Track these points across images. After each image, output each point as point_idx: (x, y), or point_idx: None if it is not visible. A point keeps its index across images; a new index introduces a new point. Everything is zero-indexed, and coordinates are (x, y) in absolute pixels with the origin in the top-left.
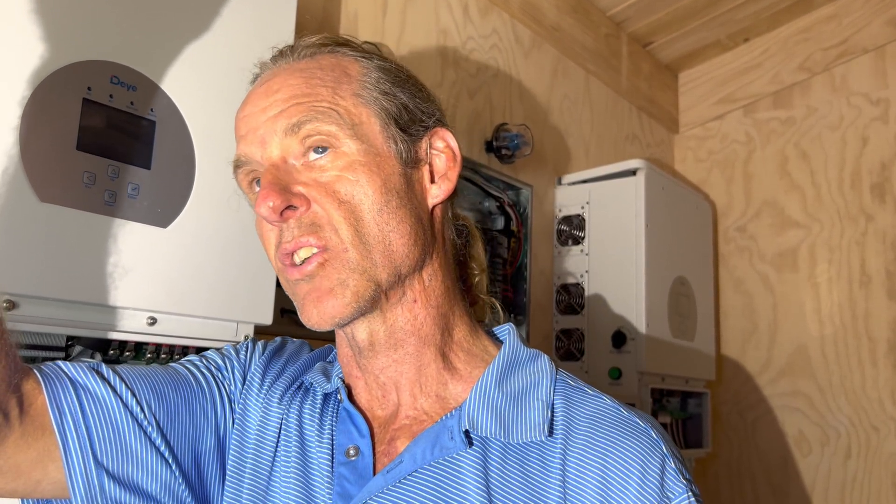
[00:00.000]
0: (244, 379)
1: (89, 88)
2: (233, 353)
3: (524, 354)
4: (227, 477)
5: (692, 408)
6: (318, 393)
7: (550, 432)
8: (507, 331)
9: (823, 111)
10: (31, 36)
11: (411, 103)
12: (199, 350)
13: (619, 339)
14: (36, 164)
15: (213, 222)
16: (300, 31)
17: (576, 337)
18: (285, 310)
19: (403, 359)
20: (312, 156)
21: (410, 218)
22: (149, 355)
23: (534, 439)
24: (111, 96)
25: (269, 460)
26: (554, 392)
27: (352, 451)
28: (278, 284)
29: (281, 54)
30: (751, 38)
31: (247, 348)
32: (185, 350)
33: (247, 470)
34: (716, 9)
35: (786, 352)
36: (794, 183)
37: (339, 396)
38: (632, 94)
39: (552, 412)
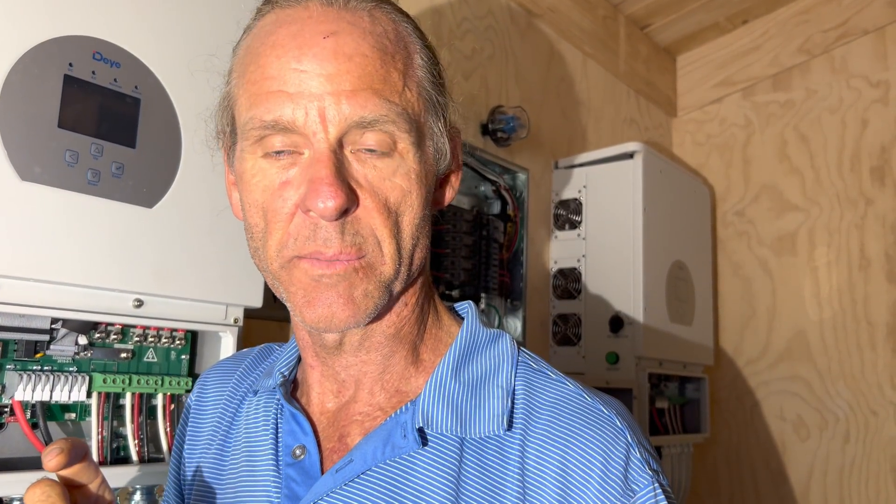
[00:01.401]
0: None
1: (71, 64)
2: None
3: (483, 336)
4: None
5: (690, 393)
6: (262, 394)
7: (510, 424)
8: (465, 309)
9: (823, 93)
10: (9, 10)
11: (448, 108)
12: (188, 332)
13: (617, 323)
14: (16, 142)
15: (200, 202)
16: None
17: (573, 322)
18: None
19: (372, 359)
20: (378, 150)
21: (428, 230)
22: (136, 338)
23: (493, 433)
24: (94, 73)
25: (217, 479)
26: (515, 377)
27: (297, 451)
28: None
29: None
30: (749, 20)
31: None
32: (172, 333)
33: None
34: None
35: (784, 336)
36: (793, 166)
37: (286, 392)
38: (629, 76)
39: (512, 400)
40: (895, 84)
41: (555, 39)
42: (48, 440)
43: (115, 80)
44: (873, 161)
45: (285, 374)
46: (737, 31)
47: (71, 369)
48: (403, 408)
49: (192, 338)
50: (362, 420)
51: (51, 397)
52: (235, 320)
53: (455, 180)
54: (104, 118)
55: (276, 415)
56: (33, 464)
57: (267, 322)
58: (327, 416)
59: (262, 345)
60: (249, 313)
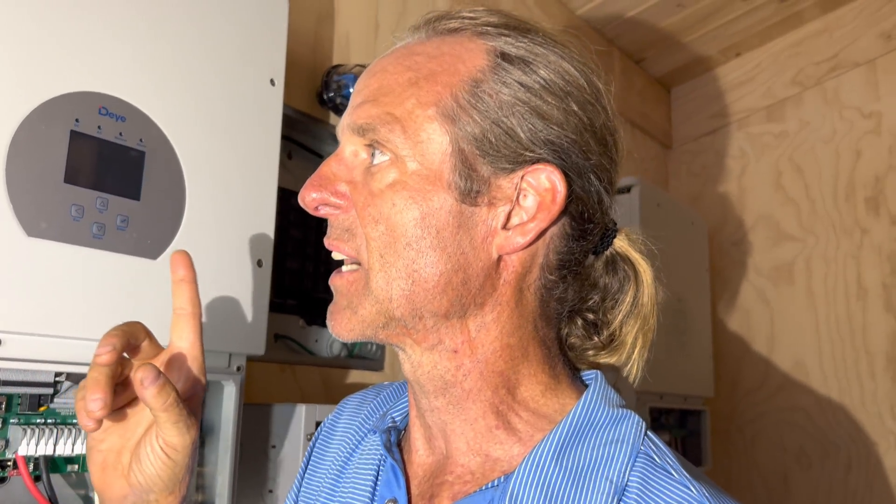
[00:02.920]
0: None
1: (77, 120)
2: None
3: (604, 416)
4: None
5: (691, 425)
6: (380, 434)
7: None
8: (590, 379)
9: (816, 124)
10: (17, 68)
11: (525, 129)
12: None
13: None
14: (22, 197)
15: (204, 252)
16: (291, 57)
17: None
18: (279, 335)
19: (447, 408)
20: (374, 159)
21: (446, 263)
22: None
23: None
24: (100, 127)
25: None
26: (631, 470)
27: None
28: (271, 311)
29: (419, 25)
30: (742, 52)
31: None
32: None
33: None
34: (707, 24)
35: (784, 366)
36: (788, 196)
37: (387, 440)
38: (624, 109)
39: (619, 498)
40: (887, 115)
41: None
42: (51, 493)
43: (120, 133)
44: (868, 191)
45: (397, 419)
46: (730, 64)
47: (74, 421)
48: (495, 482)
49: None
50: (453, 482)
51: (54, 451)
52: (238, 368)
53: (533, 224)
54: (109, 172)
55: (380, 461)
56: None
57: (269, 365)
58: (424, 469)
59: (403, 380)
60: (252, 357)
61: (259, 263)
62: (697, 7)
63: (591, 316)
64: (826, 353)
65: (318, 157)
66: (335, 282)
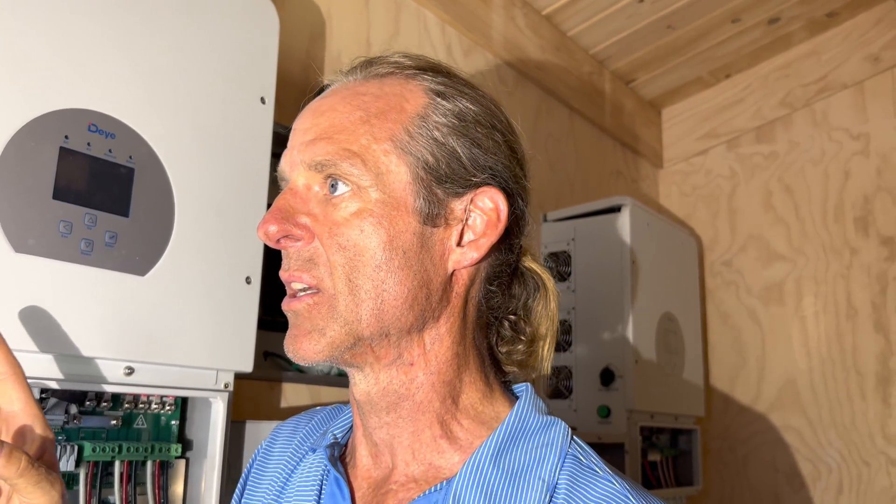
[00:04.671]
0: None
1: (67, 137)
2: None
3: (535, 422)
4: None
5: (682, 444)
6: (319, 452)
7: None
8: (521, 390)
9: (805, 146)
10: (7, 84)
11: (466, 154)
12: (178, 399)
13: (608, 376)
14: (11, 214)
15: (192, 269)
16: (282, 76)
17: (564, 375)
18: (268, 353)
19: (396, 422)
20: (333, 191)
21: (412, 280)
22: (126, 405)
23: None
24: (89, 144)
25: None
26: (560, 470)
27: None
28: (260, 329)
29: (353, 70)
30: (732, 74)
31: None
32: (162, 399)
33: None
34: (697, 46)
35: (775, 386)
36: (778, 217)
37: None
38: (616, 130)
39: (551, 495)
40: (875, 136)
41: (542, 96)
42: None
43: (109, 150)
44: (856, 211)
45: (338, 435)
46: (720, 85)
47: (60, 438)
48: (437, 486)
49: (183, 403)
50: (397, 490)
51: None
52: (226, 385)
53: (484, 240)
54: (98, 188)
55: (323, 476)
56: None
57: (258, 382)
58: (369, 482)
59: (337, 404)
60: (241, 374)
61: (248, 280)
62: (687, 29)
63: (513, 318)
64: (816, 373)
65: None
66: (293, 306)
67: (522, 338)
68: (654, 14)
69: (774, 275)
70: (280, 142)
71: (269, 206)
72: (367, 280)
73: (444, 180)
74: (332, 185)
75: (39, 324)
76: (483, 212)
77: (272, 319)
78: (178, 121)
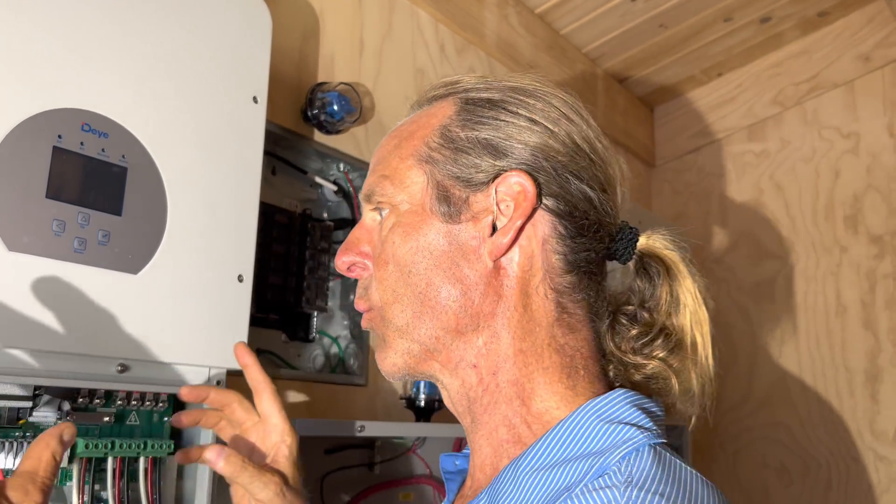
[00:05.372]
0: None
1: (60, 136)
2: None
3: (581, 446)
4: None
5: (673, 441)
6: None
7: None
8: (600, 404)
9: (797, 144)
10: (0, 85)
11: (488, 149)
12: (171, 395)
13: None
14: (4, 212)
15: (184, 267)
16: (275, 75)
17: None
18: (261, 350)
19: (472, 426)
20: (381, 216)
21: (444, 278)
22: (119, 402)
23: None
24: (82, 143)
25: None
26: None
27: None
28: (251, 325)
29: (411, 108)
30: (724, 72)
31: None
32: (155, 396)
33: None
34: (689, 44)
35: (766, 383)
36: (769, 215)
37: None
38: (608, 128)
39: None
40: (865, 135)
41: None
42: None
43: (102, 149)
44: (846, 210)
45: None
46: (712, 84)
47: None
48: (479, 496)
49: (175, 400)
50: (468, 497)
51: None
52: (218, 382)
53: (510, 223)
54: (91, 187)
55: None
56: None
57: None
58: (464, 491)
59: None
60: (233, 371)
61: (240, 278)
62: (680, 28)
63: (630, 308)
64: (806, 370)
65: (302, 173)
66: (363, 325)
67: (634, 330)
68: (647, 13)
69: (765, 273)
70: (273, 140)
71: (262, 205)
72: (408, 286)
73: (463, 178)
74: (381, 213)
75: (33, 321)
76: (511, 197)
77: (265, 317)
78: (170, 120)
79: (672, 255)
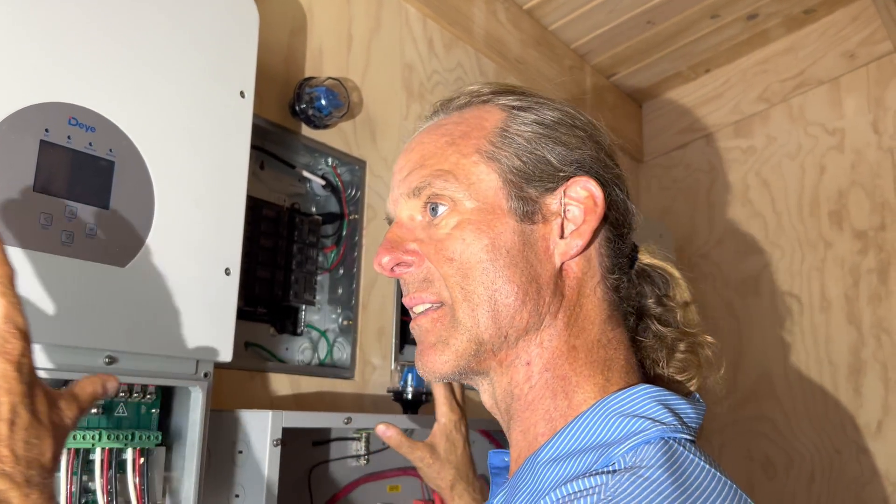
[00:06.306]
0: None
1: (47, 130)
2: None
3: (594, 437)
4: None
5: None
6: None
7: None
8: (621, 398)
9: (782, 140)
10: None
11: (552, 153)
12: (158, 387)
13: None
14: None
15: (172, 260)
16: (263, 69)
17: None
18: (249, 343)
19: (510, 423)
20: (434, 214)
21: (520, 277)
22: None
23: None
24: (69, 137)
25: None
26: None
27: None
28: (239, 318)
29: (436, 111)
30: (712, 69)
31: None
32: (143, 388)
33: None
34: (677, 41)
35: (751, 377)
36: (755, 210)
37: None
38: None
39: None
40: (850, 132)
41: None
42: None
43: (90, 143)
44: (831, 205)
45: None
46: (700, 80)
47: None
48: (507, 485)
49: (163, 392)
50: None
51: None
52: (206, 374)
53: (584, 227)
54: (79, 181)
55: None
56: None
57: (239, 371)
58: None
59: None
60: (221, 364)
61: (227, 272)
62: (667, 24)
63: (658, 310)
64: (791, 364)
65: (290, 167)
66: (419, 322)
67: (655, 326)
68: (635, 9)
69: (750, 268)
70: (261, 134)
71: (251, 199)
72: (479, 285)
73: (534, 179)
74: (433, 209)
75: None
76: (578, 201)
77: (254, 311)
78: (157, 114)
79: (667, 263)
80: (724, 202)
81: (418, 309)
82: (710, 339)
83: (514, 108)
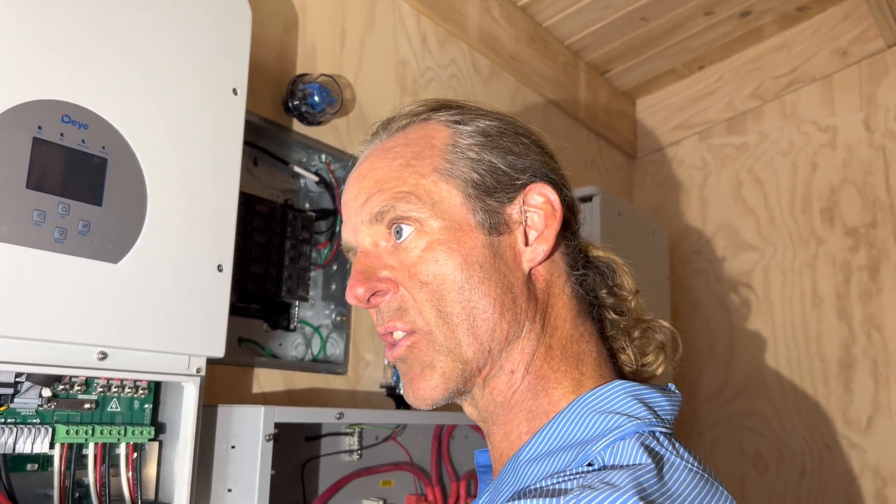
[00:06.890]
0: None
1: (40, 127)
2: None
3: (572, 435)
4: None
5: None
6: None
7: None
8: (597, 395)
9: (775, 137)
10: None
11: (503, 163)
12: (151, 383)
13: None
14: None
15: (164, 257)
16: (256, 66)
17: None
18: (243, 338)
19: (492, 429)
20: (399, 237)
21: (496, 290)
22: (100, 389)
23: None
24: (62, 135)
25: None
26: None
27: None
28: (232, 314)
29: (376, 132)
30: (705, 66)
31: None
32: (136, 384)
33: None
34: (670, 38)
35: (742, 372)
36: (748, 207)
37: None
38: (590, 120)
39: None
40: (842, 129)
41: (517, 86)
42: (10, 491)
43: (82, 140)
44: (823, 202)
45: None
46: (693, 77)
47: (34, 421)
48: (491, 485)
49: (156, 387)
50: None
51: (14, 449)
52: (198, 370)
53: (548, 231)
54: (72, 178)
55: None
56: None
57: (231, 367)
58: None
59: None
60: (214, 360)
61: (220, 268)
62: (661, 21)
63: (610, 300)
64: (782, 360)
65: (284, 163)
66: (397, 353)
67: (611, 315)
68: (628, 6)
69: (743, 264)
70: (254, 131)
71: (244, 195)
72: (456, 304)
73: (493, 190)
74: (397, 232)
75: (14, 310)
76: (538, 207)
77: (247, 306)
78: (150, 111)
79: (610, 253)
80: (716, 198)
81: (396, 336)
82: (665, 323)
83: (454, 122)
